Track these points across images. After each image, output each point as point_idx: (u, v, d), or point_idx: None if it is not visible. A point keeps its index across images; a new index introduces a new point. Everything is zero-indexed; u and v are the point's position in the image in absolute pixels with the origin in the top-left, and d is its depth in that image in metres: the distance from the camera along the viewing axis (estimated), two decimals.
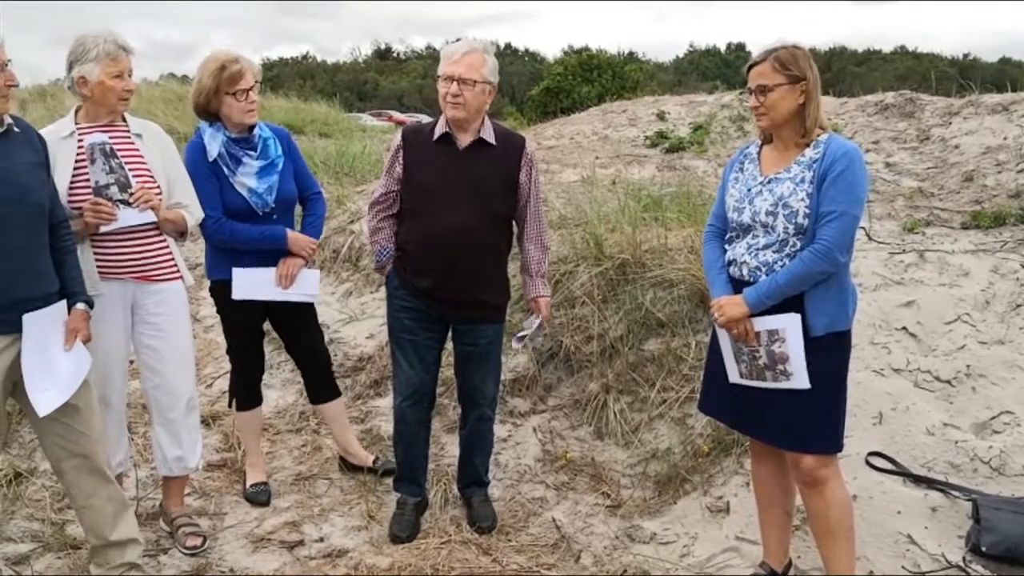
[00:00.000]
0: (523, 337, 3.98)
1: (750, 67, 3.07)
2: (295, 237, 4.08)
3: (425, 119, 4.01)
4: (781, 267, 2.98)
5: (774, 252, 3.01)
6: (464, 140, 3.74)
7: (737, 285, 3.11)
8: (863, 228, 5.43)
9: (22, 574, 3.63)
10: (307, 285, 4.16)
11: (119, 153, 3.56)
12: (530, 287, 4.02)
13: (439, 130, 3.74)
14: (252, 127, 4.00)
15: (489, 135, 3.76)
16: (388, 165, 3.86)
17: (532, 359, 5.07)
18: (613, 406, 4.66)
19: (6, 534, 3.87)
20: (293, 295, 4.12)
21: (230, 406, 4.46)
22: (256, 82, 3.97)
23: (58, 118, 3.72)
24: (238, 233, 3.97)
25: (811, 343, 2.95)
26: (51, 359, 3.11)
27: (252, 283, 4.03)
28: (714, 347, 3.28)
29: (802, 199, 2.94)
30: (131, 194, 3.50)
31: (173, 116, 12.76)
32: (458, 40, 3.77)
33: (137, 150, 3.65)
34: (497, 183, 3.78)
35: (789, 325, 2.96)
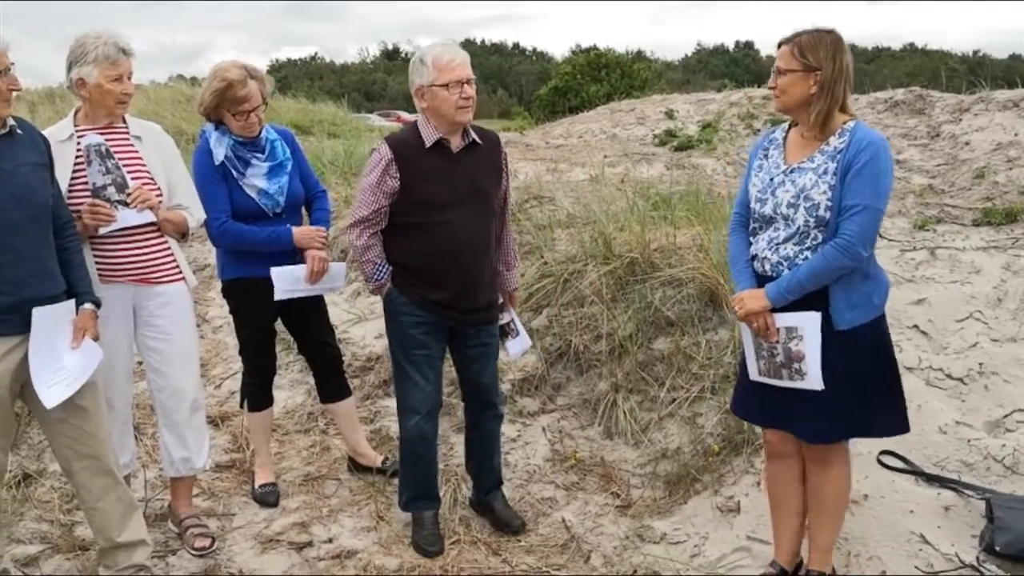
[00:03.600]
0: (520, 348, 4.08)
1: (779, 44, 3.04)
2: (301, 232, 4.05)
3: None
4: (803, 260, 2.95)
5: (795, 245, 2.97)
6: (456, 144, 3.65)
7: (760, 281, 3.08)
8: None
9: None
10: (334, 277, 4.18)
11: (117, 155, 3.54)
12: (509, 280, 4.00)
13: (430, 137, 3.59)
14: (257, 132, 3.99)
15: (474, 134, 3.69)
16: (376, 180, 3.60)
17: (541, 358, 5.05)
18: (623, 405, 4.64)
19: (15, 535, 3.87)
20: (320, 288, 4.15)
21: (241, 407, 4.45)
22: (265, 101, 3.93)
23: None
24: (244, 236, 3.96)
25: (836, 336, 2.92)
26: (59, 354, 3.11)
27: (290, 281, 4.04)
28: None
29: (824, 191, 2.89)
30: (129, 194, 3.49)
31: (181, 118, 12.79)
32: (440, 43, 3.61)
33: (136, 152, 3.63)
34: (493, 180, 3.75)
35: (808, 324, 2.93)
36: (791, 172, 3.00)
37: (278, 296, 4.01)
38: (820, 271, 2.88)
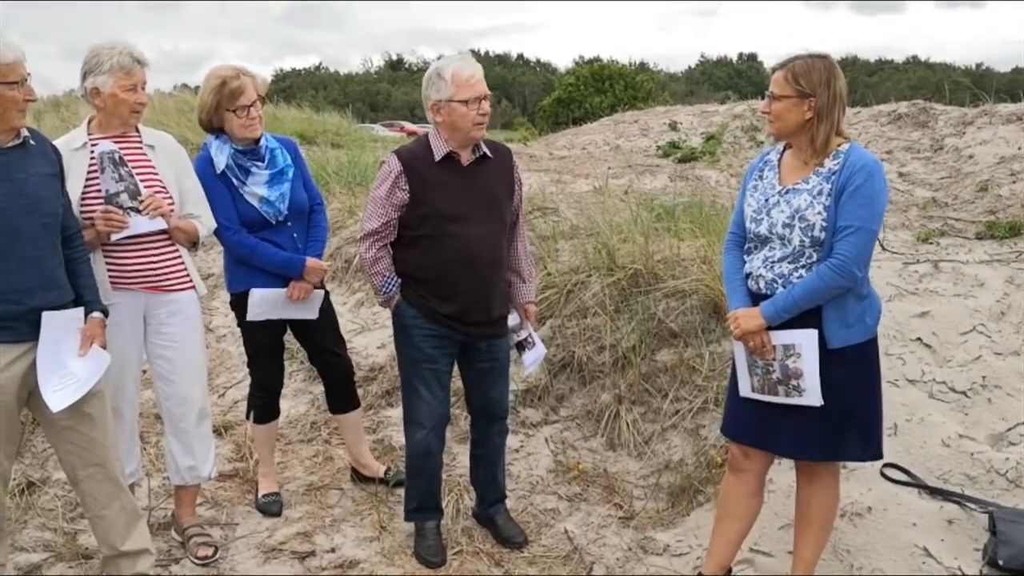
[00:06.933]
0: (534, 358, 4.00)
1: (773, 70, 3.06)
2: (312, 267, 4.07)
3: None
4: (797, 278, 2.96)
5: (789, 263, 2.99)
6: (466, 157, 3.65)
7: (755, 298, 3.09)
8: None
9: None
10: (311, 305, 4.17)
11: (130, 163, 3.57)
12: (523, 292, 3.94)
13: (440, 151, 3.60)
14: (258, 139, 4.01)
15: (485, 148, 3.69)
16: (386, 193, 3.60)
17: (544, 369, 5.05)
18: (626, 417, 4.64)
19: (19, 543, 3.87)
20: (295, 313, 4.14)
21: (248, 418, 4.45)
22: (259, 97, 3.96)
23: (72, 128, 3.73)
24: (258, 253, 3.98)
25: (829, 355, 2.93)
26: (65, 360, 3.12)
27: (267, 304, 4.04)
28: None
29: (819, 212, 2.91)
30: (141, 201, 3.52)
31: (186, 127, 12.83)
32: (458, 57, 3.64)
33: (149, 161, 3.66)
34: (504, 194, 3.75)
35: (806, 341, 2.94)
36: (786, 193, 3.02)
37: (250, 317, 4.04)
38: (815, 290, 2.90)
